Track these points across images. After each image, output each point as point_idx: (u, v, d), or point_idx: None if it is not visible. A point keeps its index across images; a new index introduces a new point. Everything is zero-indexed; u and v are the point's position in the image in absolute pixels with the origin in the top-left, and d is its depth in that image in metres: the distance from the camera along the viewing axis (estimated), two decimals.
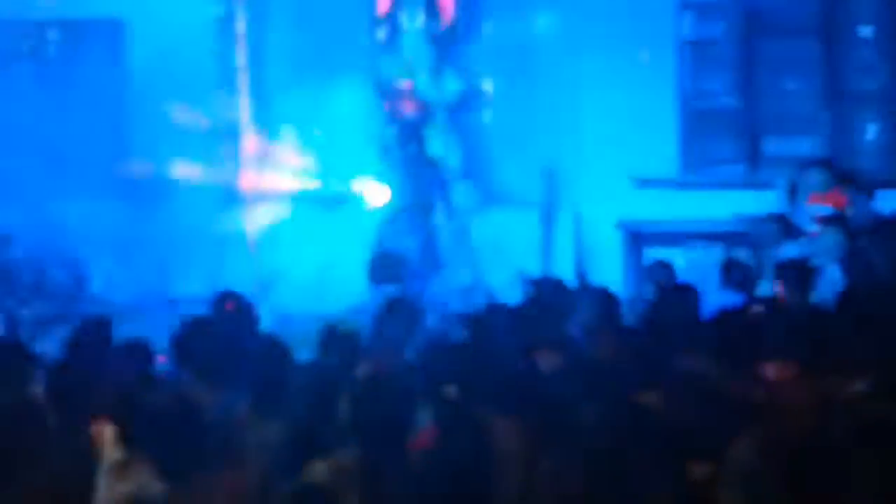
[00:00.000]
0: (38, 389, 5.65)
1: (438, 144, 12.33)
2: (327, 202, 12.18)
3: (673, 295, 7.62)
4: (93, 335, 6.71)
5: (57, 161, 11.85)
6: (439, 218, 11.42)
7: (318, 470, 4.45)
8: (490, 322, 6.77)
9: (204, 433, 4.53)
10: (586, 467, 3.64)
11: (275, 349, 6.00)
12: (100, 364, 6.12)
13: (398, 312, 6.74)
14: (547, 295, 7.52)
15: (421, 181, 11.02)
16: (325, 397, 5.17)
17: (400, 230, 10.57)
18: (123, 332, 7.08)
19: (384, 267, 7.99)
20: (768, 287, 8.54)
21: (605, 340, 6.31)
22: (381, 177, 11.03)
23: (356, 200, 11.53)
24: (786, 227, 9.91)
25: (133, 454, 4.71)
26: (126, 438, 4.83)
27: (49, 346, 7.53)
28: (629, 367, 5.32)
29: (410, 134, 11.46)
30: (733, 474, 2.93)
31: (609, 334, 6.48)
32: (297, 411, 5.03)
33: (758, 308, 7.10)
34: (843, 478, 2.86)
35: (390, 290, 7.81)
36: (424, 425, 5.10)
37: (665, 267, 9.02)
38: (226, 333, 6.31)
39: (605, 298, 7.35)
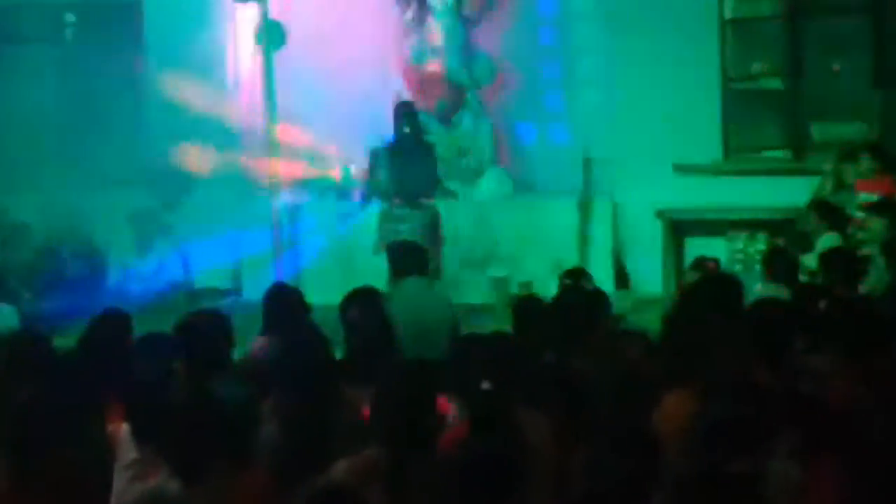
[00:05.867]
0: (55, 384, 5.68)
1: (469, 130, 12.32)
2: (345, 191, 12.19)
3: (713, 286, 7.56)
4: (110, 329, 6.72)
5: (74, 148, 11.91)
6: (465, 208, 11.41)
7: (340, 469, 4.45)
8: (524, 316, 6.76)
9: (220, 431, 4.55)
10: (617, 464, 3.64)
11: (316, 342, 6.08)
12: (117, 358, 6.15)
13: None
14: (582, 291, 7.47)
15: (430, 169, 10.95)
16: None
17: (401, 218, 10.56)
18: (144, 325, 7.06)
19: (411, 256, 7.98)
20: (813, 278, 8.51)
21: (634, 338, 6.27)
22: (396, 163, 10.87)
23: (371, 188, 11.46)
24: (832, 214, 9.87)
25: (148, 453, 4.74)
26: (142, 436, 4.86)
27: (67, 339, 7.53)
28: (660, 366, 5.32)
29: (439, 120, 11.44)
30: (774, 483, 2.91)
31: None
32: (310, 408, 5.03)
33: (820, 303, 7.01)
34: None
35: (418, 281, 7.81)
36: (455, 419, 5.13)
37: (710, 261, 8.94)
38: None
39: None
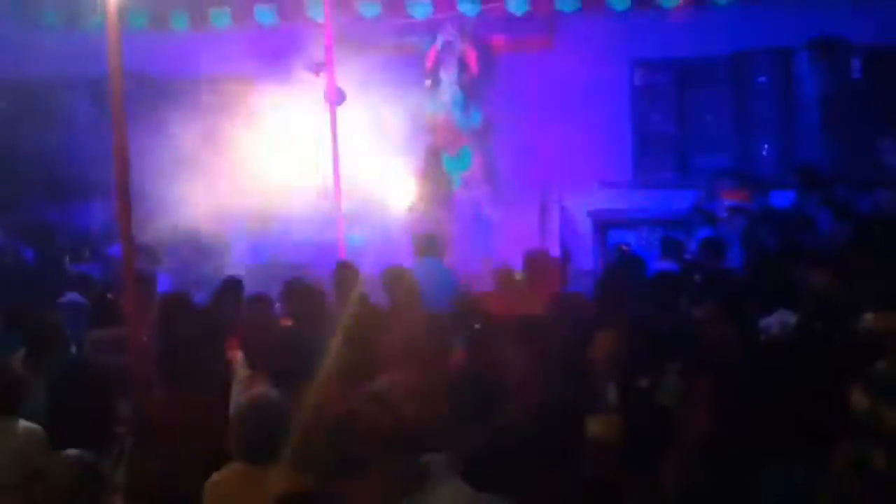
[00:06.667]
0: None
1: (468, 160, 12.34)
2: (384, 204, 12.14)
3: (627, 262, 7.56)
4: (231, 289, 6.73)
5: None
6: (465, 212, 11.42)
7: (383, 381, 4.44)
8: (502, 281, 6.75)
9: (303, 356, 4.55)
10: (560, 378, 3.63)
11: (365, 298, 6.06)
12: (235, 308, 6.16)
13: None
14: (542, 264, 7.45)
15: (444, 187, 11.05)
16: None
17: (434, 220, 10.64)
18: (252, 287, 7.03)
19: (429, 243, 7.94)
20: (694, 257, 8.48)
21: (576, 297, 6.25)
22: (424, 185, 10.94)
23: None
24: (706, 215, 9.86)
25: (256, 371, 4.74)
26: (251, 361, 4.86)
27: (202, 297, 7.50)
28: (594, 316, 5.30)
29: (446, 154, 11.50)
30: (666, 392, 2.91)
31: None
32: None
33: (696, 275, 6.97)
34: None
35: (434, 260, 7.77)
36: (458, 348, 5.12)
37: (624, 246, 8.93)
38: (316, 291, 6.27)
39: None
